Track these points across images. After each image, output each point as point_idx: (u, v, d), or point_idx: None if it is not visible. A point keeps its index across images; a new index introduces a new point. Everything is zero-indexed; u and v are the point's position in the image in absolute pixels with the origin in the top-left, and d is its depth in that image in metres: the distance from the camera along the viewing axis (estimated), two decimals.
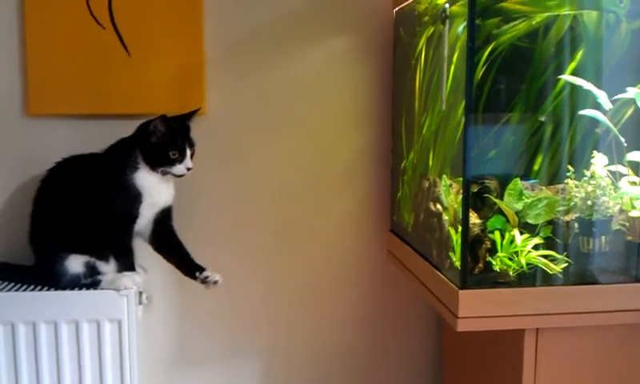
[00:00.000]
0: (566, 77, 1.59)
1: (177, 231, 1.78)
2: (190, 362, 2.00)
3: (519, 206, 1.55)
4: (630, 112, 1.58)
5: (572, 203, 1.57)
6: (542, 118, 1.62)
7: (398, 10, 1.90)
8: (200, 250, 1.92)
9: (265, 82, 1.93)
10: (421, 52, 1.74)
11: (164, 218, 1.75)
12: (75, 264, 1.67)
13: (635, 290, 1.46)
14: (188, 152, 1.68)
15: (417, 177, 1.77)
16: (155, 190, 1.69)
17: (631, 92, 1.56)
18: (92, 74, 1.83)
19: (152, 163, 1.66)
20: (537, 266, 1.48)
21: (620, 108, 1.58)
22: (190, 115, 1.73)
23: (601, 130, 1.58)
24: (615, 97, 1.56)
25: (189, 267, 1.73)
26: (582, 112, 1.58)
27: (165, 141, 1.65)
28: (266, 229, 1.98)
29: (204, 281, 1.70)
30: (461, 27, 1.50)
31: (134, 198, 1.67)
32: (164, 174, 1.68)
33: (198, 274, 1.70)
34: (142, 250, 1.77)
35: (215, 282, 1.69)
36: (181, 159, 1.66)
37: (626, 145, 1.56)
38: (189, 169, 1.68)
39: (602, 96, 1.55)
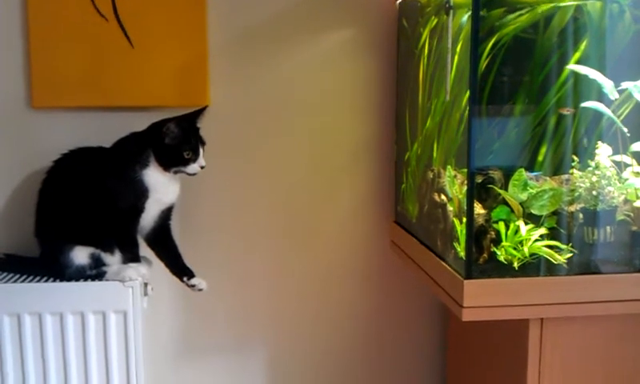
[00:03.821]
0: (573, 66, 1.58)
1: (178, 227, 1.79)
2: (195, 354, 2.01)
3: (524, 196, 1.55)
4: (634, 102, 1.58)
5: (577, 194, 1.57)
6: (566, 112, 1.62)
7: (402, 1, 1.90)
8: (204, 243, 1.93)
9: (268, 74, 1.93)
10: (424, 43, 1.74)
11: (165, 216, 1.75)
12: (80, 255, 1.67)
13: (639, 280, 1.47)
14: (201, 151, 1.69)
15: (421, 168, 1.77)
16: (163, 187, 1.70)
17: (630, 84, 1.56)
18: (96, 66, 1.83)
19: (166, 164, 1.67)
20: (541, 256, 1.48)
21: (625, 99, 1.58)
22: (199, 113, 1.73)
23: (605, 121, 1.59)
24: (621, 85, 1.56)
25: (178, 269, 1.75)
26: (585, 104, 1.58)
27: (178, 142, 1.66)
28: (270, 221, 1.99)
29: (190, 286, 1.73)
30: (464, 18, 1.50)
31: (141, 193, 1.68)
32: (177, 173, 1.69)
33: (185, 278, 1.73)
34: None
35: (200, 290, 1.73)
36: (195, 158, 1.67)
37: (629, 135, 1.56)
38: (202, 167, 1.69)
39: (608, 86, 1.55)
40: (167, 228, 1.77)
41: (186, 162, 1.67)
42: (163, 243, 1.77)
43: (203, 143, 1.71)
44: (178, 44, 1.85)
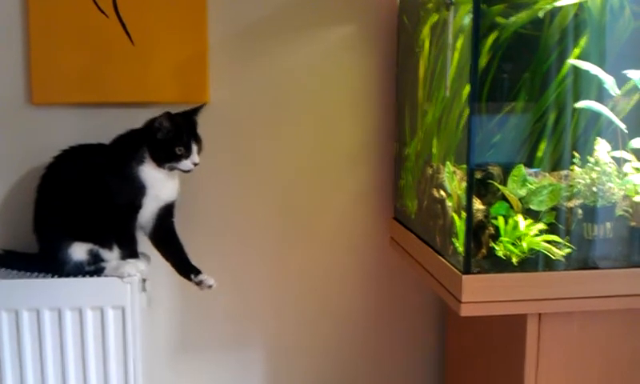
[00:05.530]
0: (575, 61, 1.58)
1: (178, 228, 1.77)
2: (193, 352, 2.01)
3: (523, 192, 1.55)
4: (636, 98, 1.58)
5: (575, 189, 1.56)
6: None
7: None
8: (203, 240, 1.92)
9: (268, 70, 1.93)
10: (425, 39, 1.74)
11: (166, 213, 1.75)
12: (79, 251, 1.67)
13: (638, 275, 1.46)
14: (194, 147, 1.68)
15: (420, 164, 1.77)
16: (160, 184, 1.70)
17: (634, 74, 1.55)
18: (96, 62, 1.83)
19: (158, 159, 1.67)
20: (540, 251, 1.48)
21: (626, 95, 1.58)
22: (196, 111, 1.73)
23: (605, 117, 1.58)
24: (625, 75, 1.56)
25: (184, 268, 1.73)
26: (579, 104, 1.58)
27: (170, 137, 1.66)
28: (269, 218, 1.98)
29: (198, 284, 1.71)
30: (465, 14, 1.50)
31: (138, 190, 1.68)
32: (171, 169, 1.68)
33: (193, 276, 1.71)
34: (146, 239, 1.77)
35: (209, 286, 1.70)
36: (187, 155, 1.67)
37: (627, 132, 1.56)
38: (195, 164, 1.68)
39: (609, 81, 1.55)
40: (170, 226, 1.77)
41: (178, 158, 1.66)
42: (168, 242, 1.76)
43: (198, 140, 1.70)
44: (178, 40, 1.85)
